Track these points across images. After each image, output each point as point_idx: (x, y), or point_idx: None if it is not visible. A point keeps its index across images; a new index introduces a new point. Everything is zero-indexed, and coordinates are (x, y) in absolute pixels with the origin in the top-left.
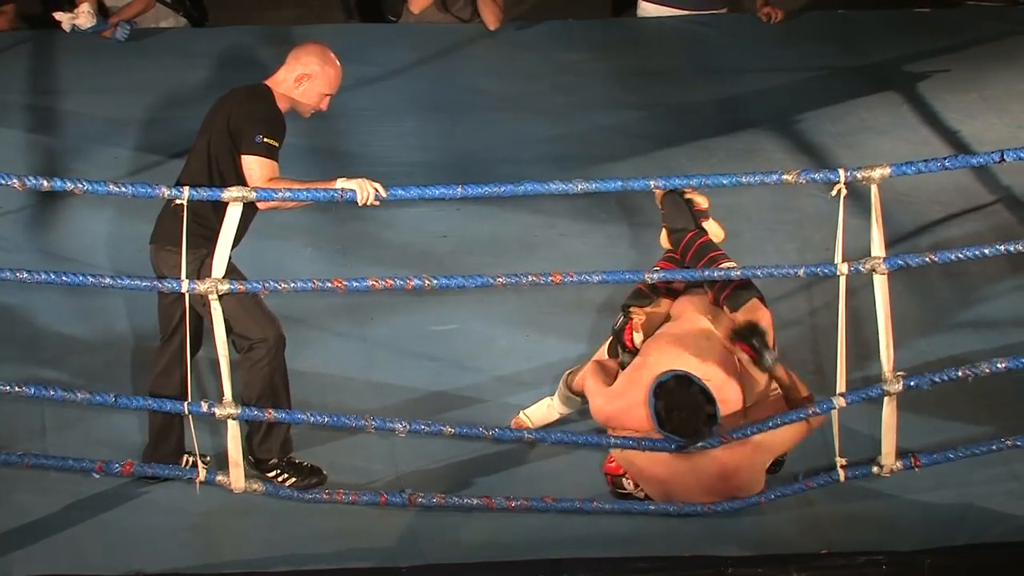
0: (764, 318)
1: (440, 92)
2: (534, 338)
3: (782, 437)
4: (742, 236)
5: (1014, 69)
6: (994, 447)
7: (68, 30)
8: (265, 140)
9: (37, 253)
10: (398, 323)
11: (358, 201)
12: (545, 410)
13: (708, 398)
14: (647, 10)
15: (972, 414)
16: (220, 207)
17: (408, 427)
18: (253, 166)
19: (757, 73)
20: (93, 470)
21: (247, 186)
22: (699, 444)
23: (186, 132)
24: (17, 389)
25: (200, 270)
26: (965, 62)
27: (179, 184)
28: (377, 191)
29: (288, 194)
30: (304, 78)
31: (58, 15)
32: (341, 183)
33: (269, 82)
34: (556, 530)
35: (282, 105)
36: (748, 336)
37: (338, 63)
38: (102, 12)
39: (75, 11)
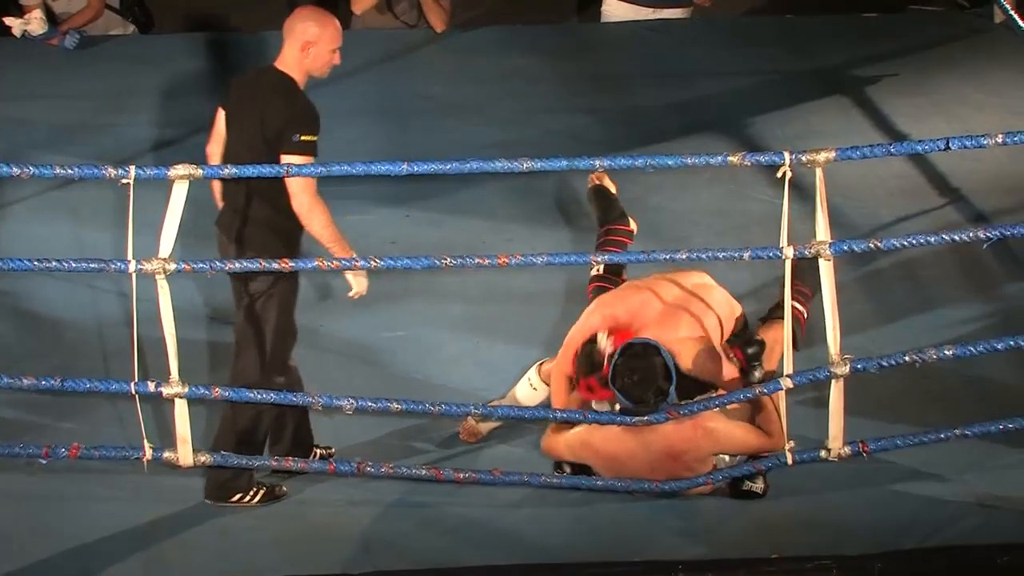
0: (778, 341)
1: (388, 97)
2: (483, 344)
3: (735, 435)
4: (691, 240)
5: (959, 73)
6: (942, 436)
7: (19, 35)
8: (303, 138)
9: None
10: (347, 327)
11: (350, 290)
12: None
13: (667, 375)
14: (612, 8)
15: (922, 416)
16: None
17: (355, 404)
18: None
19: (707, 77)
20: (40, 456)
21: (292, 189)
22: (644, 416)
23: (134, 138)
24: None
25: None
26: (912, 66)
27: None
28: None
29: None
30: (309, 45)
31: (8, 20)
32: (350, 275)
33: (279, 65)
34: (506, 536)
35: (300, 81)
36: (747, 344)
37: (330, 13)
38: (51, 19)
39: (26, 17)
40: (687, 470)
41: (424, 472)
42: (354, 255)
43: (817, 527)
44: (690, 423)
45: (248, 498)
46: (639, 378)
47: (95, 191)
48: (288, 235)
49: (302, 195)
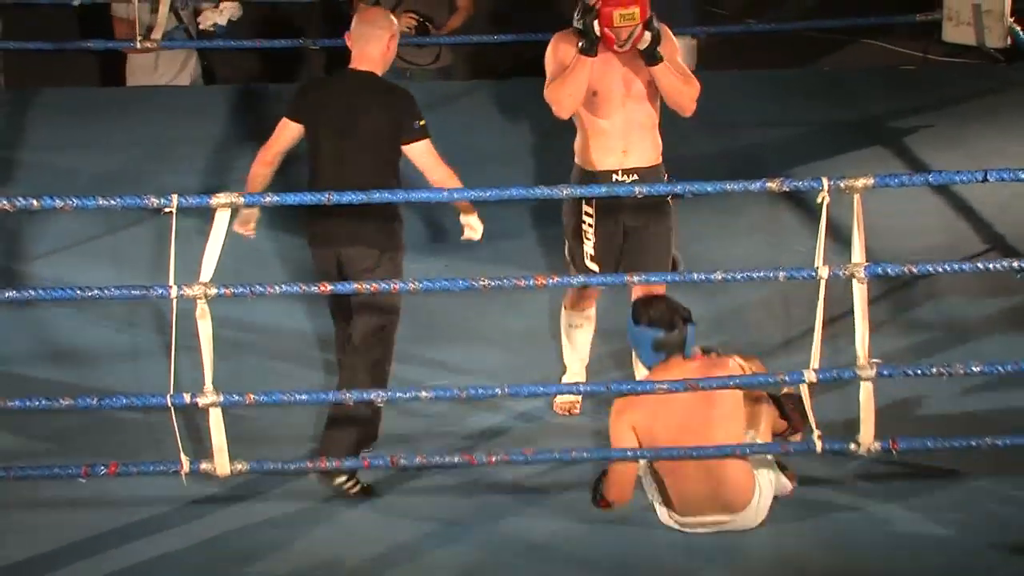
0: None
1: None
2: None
3: (753, 411)
4: (728, 288)
5: (996, 127)
6: (973, 443)
7: (209, 26)
8: (421, 124)
9: None
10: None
11: (475, 231)
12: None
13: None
14: None
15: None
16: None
17: (385, 396)
18: (422, 149)
19: (748, 128)
20: (79, 475)
21: (426, 163)
22: (676, 343)
23: (175, 185)
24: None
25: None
26: (949, 119)
27: (346, 184)
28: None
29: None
30: (392, 39)
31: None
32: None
33: (360, 66)
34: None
35: (381, 73)
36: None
37: (389, 13)
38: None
39: (221, 7)
40: (722, 421)
41: (458, 459)
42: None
43: None
44: (718, 367)
45: (349, 485)
46: (666, 306)
47: (136, 239)
48: (390, 219)
49: (438, 168)
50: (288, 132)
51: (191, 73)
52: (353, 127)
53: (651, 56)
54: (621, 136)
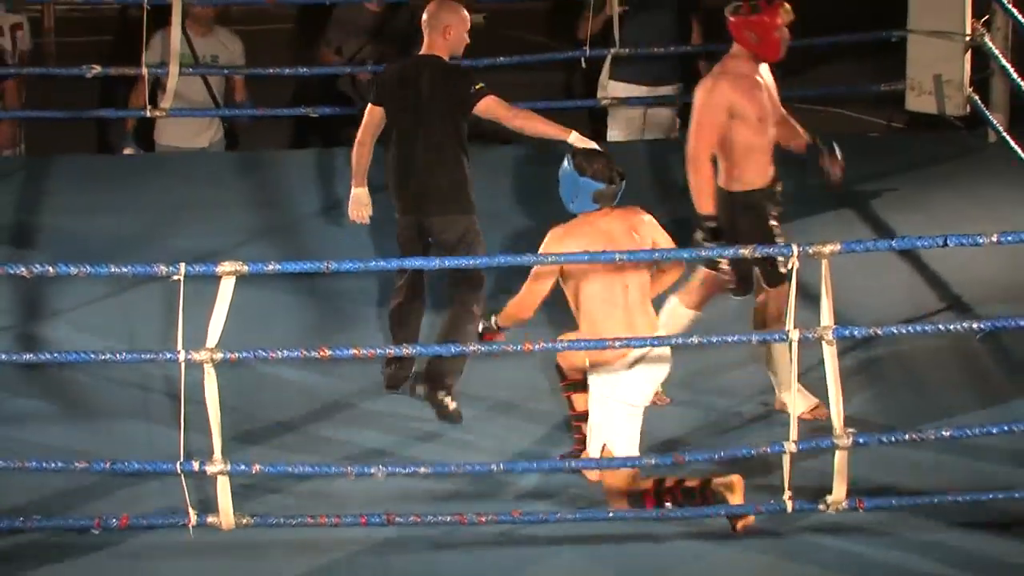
0: None
1: None
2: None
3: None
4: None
5: (957, 191)
6: (935, 500)
7: None
8: (477, 87)
9: None
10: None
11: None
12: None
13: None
14: (612, 88)
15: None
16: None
17: (385, 470)
18: (488, 105)
19: None
20: (92, 527)
21: (500, 114)
22: (612, 196)
23: (184, 249)
24: (19, 464)
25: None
26: (912, 183)
27: (416, 157)
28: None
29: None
30: (448, 30)
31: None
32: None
33: (428, 51)
34: None
35: (446, 58)
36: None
37: (461, 5)
38: None
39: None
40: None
41: (449, 519)
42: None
43: None
44: (634, 213)
45: (449, 401)
46: (606, 160)
47: (149, 296)
48: (466, 186)
49: (514, 118)
50: (373, 116)
51: (212, 135)
52: (419, 106)
53: None
54: (769, 152)
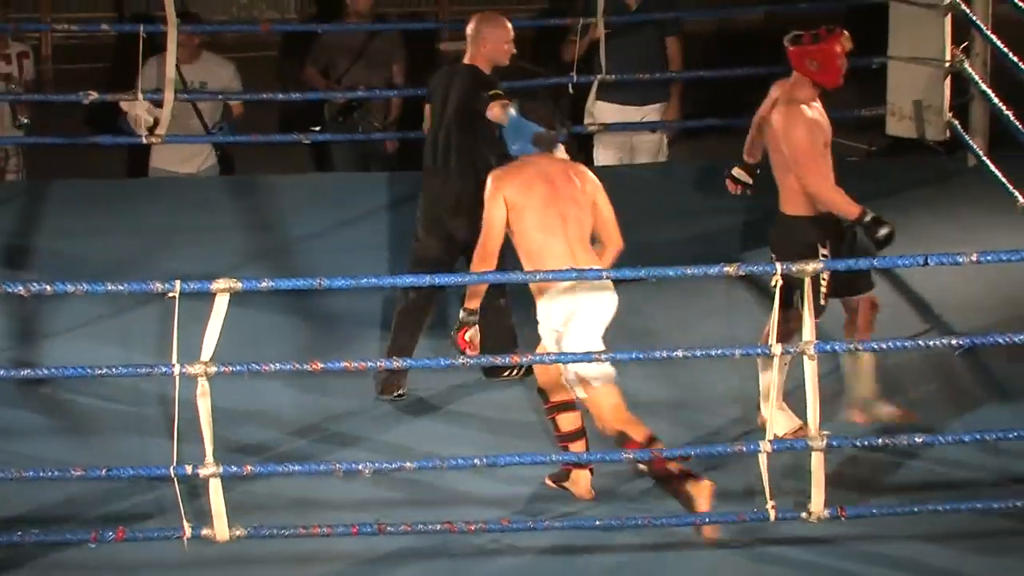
0: None
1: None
2: None
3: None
4: (688, 364)
5: (936, 214)
6: (915, 509)
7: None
8: (490, 93)
9: None
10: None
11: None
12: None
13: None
14: (598, 110)
15: None
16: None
17: (372, 467)
18: (493, 113)
19: (710, 216)
20: (89, 540)
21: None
22: (551, 140)
23: (176, 271)
24: (16, 475)
25: None
26: (893, 207)
27: (440, 150)
28: None
29: None
30: (485, 42)
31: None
32: None
33: (467, 60)
34: None
35: (485, 68)
36: None
37: (502, 18)
38: None
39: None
40: (582, 195)
41: (439, 527)
42: None
43: None
44: (577, 166)
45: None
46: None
47: (145, 315)
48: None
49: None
50: (428, 112)
51: (201, 162)
52: (447, 106)
53: None
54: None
